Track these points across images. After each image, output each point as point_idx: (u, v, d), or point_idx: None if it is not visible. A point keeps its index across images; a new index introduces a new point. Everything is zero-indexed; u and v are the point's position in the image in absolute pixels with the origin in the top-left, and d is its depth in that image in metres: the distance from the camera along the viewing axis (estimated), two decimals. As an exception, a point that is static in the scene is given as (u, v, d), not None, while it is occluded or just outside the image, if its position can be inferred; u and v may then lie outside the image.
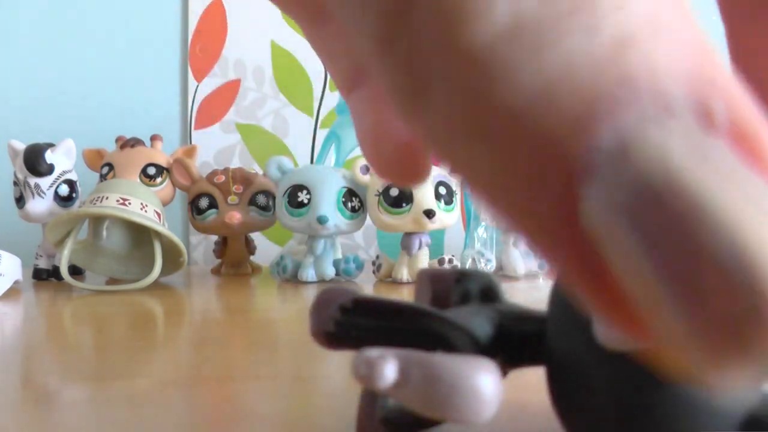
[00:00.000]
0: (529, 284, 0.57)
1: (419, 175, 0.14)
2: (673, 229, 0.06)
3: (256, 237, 0.73)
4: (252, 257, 0.70)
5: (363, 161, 0.59)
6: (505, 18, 0.06)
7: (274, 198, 0.64)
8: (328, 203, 0.59)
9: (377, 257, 0.62)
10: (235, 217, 0.63)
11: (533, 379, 0.25)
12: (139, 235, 0.62)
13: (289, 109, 0.89)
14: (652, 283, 0.06)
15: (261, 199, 0.65)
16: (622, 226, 0.06)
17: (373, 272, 0.62)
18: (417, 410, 0.13)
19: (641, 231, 0.06)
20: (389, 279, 0.60)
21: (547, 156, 0.06)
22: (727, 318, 0.06)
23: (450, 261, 0.60)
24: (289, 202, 0.59)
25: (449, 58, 0.07)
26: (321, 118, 0.89)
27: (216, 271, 0.69)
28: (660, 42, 0.06)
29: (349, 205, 0.60)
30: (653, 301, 0.06)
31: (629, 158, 0.06)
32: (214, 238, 0.72)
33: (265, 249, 0.79)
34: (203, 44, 0.89)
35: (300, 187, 0.59)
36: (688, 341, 0.06)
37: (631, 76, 0.06)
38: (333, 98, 0.87)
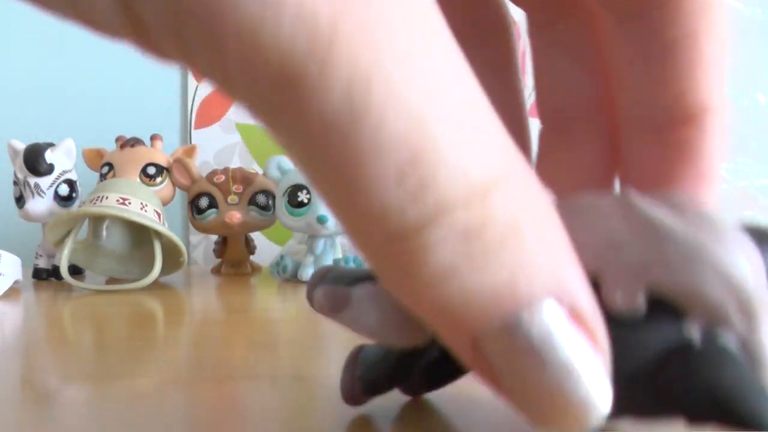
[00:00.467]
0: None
1: None
2: (531, 369, 0.11)
3: (256, 237, 0.73)
4: (252, 257, 0.70)
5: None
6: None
7: (274, 198, 0.64)
8: (328, 203, 0.59)
9: (377, 257, 0.62)
10: (235, 216, 0.63)
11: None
12: (139, 234, 0.62)
13: (289, 109, 0.89)
14: (515, 392, 0.12)
15: (261, 199, 0.65)
16: (504, 362, 0.11)
17: (373, 272, 0.62)
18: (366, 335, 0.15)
19: (513, 367, 0.11)
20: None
21: (461, 329, 0.11)
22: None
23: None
24: (289, 202, 0.59)
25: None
26: (321, 117, 0.89)
27: (216, 271, 0.69)
28: (537, 269, 0.11)
29: (349, 204, 0.60)
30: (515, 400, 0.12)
31: (510, 329, 0.11)
32: (214, 238, 0.72)
33: (265, 249, 0.79)
34: (203, 44, 0.89)
35: (300, 187, 0.59)
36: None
37: (520, 297, 0.11)
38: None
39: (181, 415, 0.21)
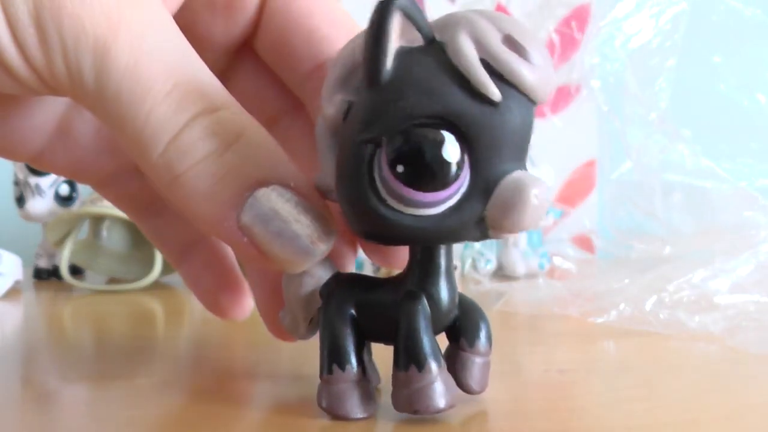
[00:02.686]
0: (529, 284, 0.57)
1: (246, 309, 0.26)
2: (273, 223, 0.16)
3: (256, 237, 0.73)
4: (252, 257, 0.70)
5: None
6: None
7: (274, 198, 0.64)
8: (328, 203, 0.58)
9: (377, 257, 0.62)
10: (235, 216, 0.63)
11: (533, 379, 0.25)
12: (139, 235, 0.61)
13: (289, 109, 0.89)
14: (270, 248, 0.17)
15: (261, 199, 0.65)
16: (250, 227, 0.16)
17: (373, 272, 0.62)
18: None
19: (268, 225, 0.16)
20: (389, 279, 0.59)
21: (228, 205, 0.17)
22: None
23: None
24: (289, 202, 0.59)
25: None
26: (321, 117, 0.89)
27: (216, 271, 0.69)
28: (267, 161, 0.17)
29: (349, 204, 0.59)
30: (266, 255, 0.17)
31: (256, 200, 0.16)
32: (214, 237, 0.72)
33: (265, 249, 0.79)
34: (203, 44, 0.89)
35: (300, 187, 0.59)
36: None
37: (264, 179, 0.17)
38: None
39: (180, 415, 0.21)
